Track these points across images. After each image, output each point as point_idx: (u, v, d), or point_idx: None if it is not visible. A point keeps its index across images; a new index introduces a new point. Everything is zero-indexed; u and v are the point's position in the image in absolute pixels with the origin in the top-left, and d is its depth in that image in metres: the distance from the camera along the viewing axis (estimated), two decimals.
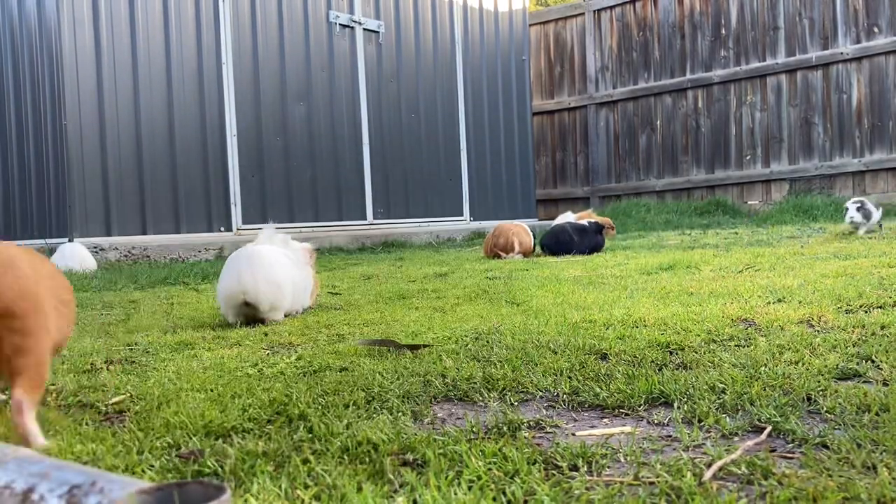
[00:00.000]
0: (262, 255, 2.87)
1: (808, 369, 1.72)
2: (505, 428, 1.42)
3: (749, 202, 10.06)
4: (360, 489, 1.12)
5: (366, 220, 8.48)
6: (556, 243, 5.71)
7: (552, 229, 5.90)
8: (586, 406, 1.58)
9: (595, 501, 1.06)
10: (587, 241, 5.77)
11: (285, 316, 3.00)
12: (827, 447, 1.24)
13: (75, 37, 6.43)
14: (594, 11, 11.22)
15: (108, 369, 2.13)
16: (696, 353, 1.97)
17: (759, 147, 9.99)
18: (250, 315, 2.87)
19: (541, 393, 1.70)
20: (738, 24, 10.06)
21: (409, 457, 1.26)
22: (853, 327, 2.17)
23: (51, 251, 5.99)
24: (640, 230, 8.43)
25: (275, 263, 2.89)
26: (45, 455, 1.05)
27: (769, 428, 1.35)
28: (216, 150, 7.25)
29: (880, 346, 1.90)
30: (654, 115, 10.78)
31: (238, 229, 7.36)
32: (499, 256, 5.74)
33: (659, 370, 1.81)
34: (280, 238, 3.11)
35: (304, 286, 3.09)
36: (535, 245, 5.91)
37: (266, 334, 2.64)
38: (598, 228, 5.89)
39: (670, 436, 1.36)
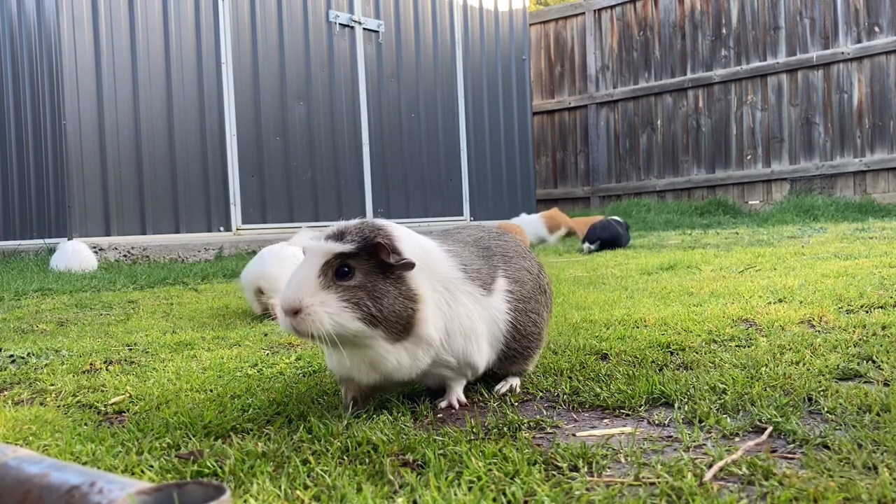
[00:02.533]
0: (285, 253, 3.09)
1: (808, 370, 1.72)
2: (505, 428, 1.42)
3: (750, 202, 10.06)
4: (359, 490, 1.12)
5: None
6: (610, 237, 5.86)
7: (600, 225, 5.97)
8: (587, 406, 1.58)
9: (595, 502, 1.06)
10: (627, 235, 6.10)
11: None
12: (828, 448, 1.24)
13: (74, 37, 6.43)
14: (594, 11, 11.21)
15: (107, 369, 2.13)
16: (697, 353, 1.97)
17: (759, 147, 9.99)
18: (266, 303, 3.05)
19: (541, 393, 1.70)
20: (739, 23, 10.05)
21: (409, 457, 1.26)
22: (854, 327, 2.16)
23: (50, 251, 5.99)
24: (640, 230, 8.43)
25: (287, 263, 3.06)
26: (45, 455, 1.05)
27: (770, 428, 1.34)
28: (216, 149, 7.25)
29: (881, 346, 1.90)
30: (655, 115, 10.77)
31: (237, 229, 7.36)
32: None
33: (659, 370, 1.80)
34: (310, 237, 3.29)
35: None
36: (584, 242, 5.95)
37: (266, 335, 2.64)
38: (627, 224, 6.34)
39: (671, 436, 1.36)
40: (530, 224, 6.94)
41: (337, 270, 1.44)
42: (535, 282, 1.73)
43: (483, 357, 1.59)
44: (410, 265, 1.45)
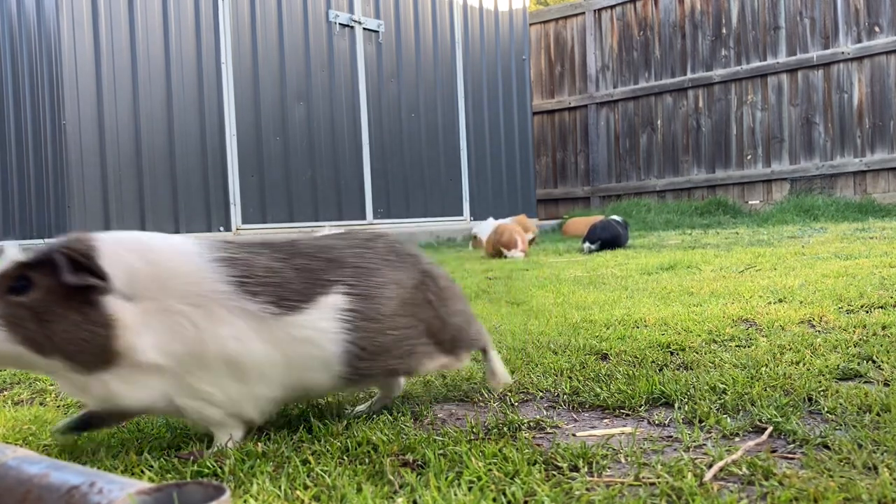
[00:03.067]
0: None
1: (809, 370, 1.72)
2: (505, 428, 1.42)
3: (750, 202, 10.05)
4: (359, 490, 1.12)
5: (365, 219, 8.48)
6: (611, 237, 5.87)
7: (600, 225, 5.96)
8: (587, 406, 1.58)
9: (595, 502, 1.06)
10: (627, 234, 6.13)
11: None
12: (828, 448, 1.24)
13: (74, 37, 6.43)
14: (595, 11, 11.21)
15: None
16: (697, 353, 1.96)
17: (759, 147, 9.98)
18: None
19: (541, 393, 1.69)
20: (739, 23, 10.05)
21: (409, 457, 1.26)
22: (854, 327, 2.16)
23: None
24: (640, 230, 8.43)
25: None
26: (44, 455, 1.05)
27: (770, 428, 1.34)
28: (215, 149, 7.25)
29: (881, 346, 1.90)
30: (655, 115, 10.77)
31: (237, 229, 7.36)
32: (500, 254, 5.74)
33: (660, 370, 1.80)
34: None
35: None
36: (584, 242, 5.93)
37: None
38: (626, 224, 6.38)
39: (671, 436, 1.36)
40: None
41: (12, 282, 1.24)
42: (409, 295, 1.49)
43: (271, 386, 1.36)
44: (96, 287, 1.23)
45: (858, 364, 1.74)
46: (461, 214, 9.49)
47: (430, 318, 1.53)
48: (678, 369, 1.81)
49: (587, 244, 5.85)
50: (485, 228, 7.02)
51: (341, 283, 1.40)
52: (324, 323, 1.36)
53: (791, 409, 1.43)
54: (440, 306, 1.55)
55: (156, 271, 1.28)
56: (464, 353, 1.62)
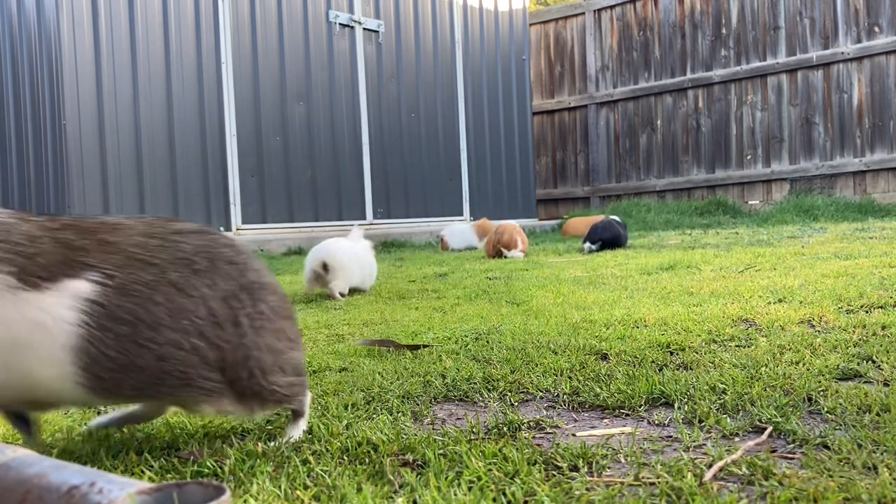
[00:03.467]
0: (339, 242, 3.81)
1: (808, 369, 1.72)
2: (505, 428, 1.42)
3: (750, 202, 10.06)
4: (359, 490, 1.12)
5: (365, 219, 8.48)
6: (612, 237, 5.87)
7: (601, 225, 5.95)
8: (587, 406, 1.58)
9: (595, 502, 1.06)
10: (626, 234, 6.14)
11: (350, 293, 3.70)
12: (828, 447, 1.24)
13: (74, 37, 6.43)
14: (594, 11, 11.21)
15: None
16: (697, 353, 1.97)
17: (759, 147, 9.99)
18: (322, 283, 3.61)
19: (541, 393, 1.69)
20: (739, 23, 10.05)
21: (409, 457, 1.26)
22: (854, 327, 2.16)
23: None
24: (640, 230, 8.43)
25: (347, 249, 3.73)
26: (45, 455, 1.05)
27: (770, 428, 1.34)
28: (215, 149, 7.25)
29: (881, 346, 1.90)
30: (655, 115, 10.77)
31: (237, 229, 7.36)
32: (500, 254, 5.74)
33: (659, 370, 1.80)
34: (357, 233, 4.02)
35: (370, 271, 3.88)
36: (585, 242, 5.90)
37: None
38: (625, 224, 6.42)
39: (671, 436, 1.36)
40: (461, 232, 7.03)
41: None
42: (204, 309, 1.24)
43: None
44: None
45: (858, 364, 1.74)
46: (461, 214, 9.49)
47: (231, 344, 1.26)
48: (678, 369, 1.81)
49: (588, 244, 5.85)
50: (452, 231, 7.06)
51: (97, 270, 1.20)
52: (62, 310, 1.17)
53: (791, 409, 1.43)
54: (250, 332, 1.29)
55: None
56: (258, 408, 1.33)
